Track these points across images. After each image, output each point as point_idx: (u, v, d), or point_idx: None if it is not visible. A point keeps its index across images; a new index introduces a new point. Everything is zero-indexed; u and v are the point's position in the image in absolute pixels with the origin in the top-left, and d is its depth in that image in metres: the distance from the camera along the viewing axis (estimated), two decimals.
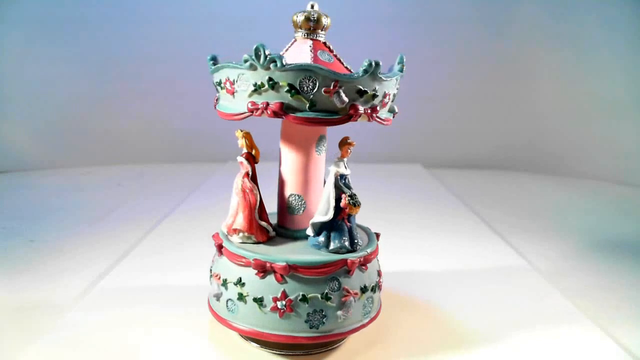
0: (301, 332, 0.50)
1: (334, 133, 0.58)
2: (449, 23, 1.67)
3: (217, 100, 0.53)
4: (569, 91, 1.65)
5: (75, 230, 0.94)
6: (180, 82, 1.59)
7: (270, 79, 0.46)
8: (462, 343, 0.58)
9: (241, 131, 0.55)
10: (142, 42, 1.59)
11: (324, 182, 0.57)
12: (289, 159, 0.56)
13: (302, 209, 0.57)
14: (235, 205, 0.54)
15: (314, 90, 0.46)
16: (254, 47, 0.45)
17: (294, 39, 0.54)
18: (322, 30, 0.53)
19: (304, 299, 0.50)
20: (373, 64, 0.47)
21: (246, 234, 0.54)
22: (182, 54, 1.57)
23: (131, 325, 0.59)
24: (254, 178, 0.55)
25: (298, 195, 0.56)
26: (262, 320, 0.50)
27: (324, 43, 0.54)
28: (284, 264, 0.49)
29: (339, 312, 0.51)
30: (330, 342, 0.55)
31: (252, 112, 0.48)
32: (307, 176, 0.56)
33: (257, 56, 0.45)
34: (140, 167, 1.58)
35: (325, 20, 0.53)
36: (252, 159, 0.55)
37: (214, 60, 0.52)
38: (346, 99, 0.47)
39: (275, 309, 0.50)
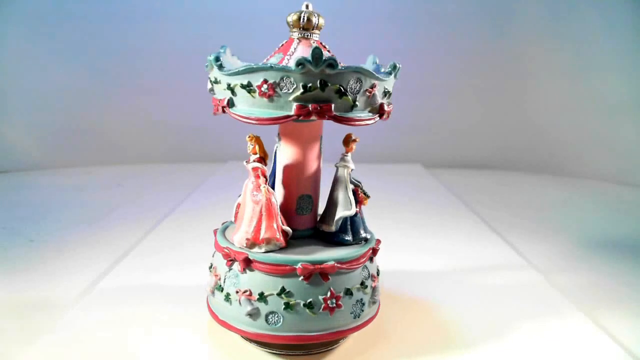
0: (348, 324, 0.52)
1: (328, 132, 0.58)
2: (448, 24, 1.67)
3: (228, 103, 0.50)
4: (569, 91, 1.65)
5: (75, 230, 0.94)
6: (180, 81, 1.59)
7: (322, 81, 0.46)
8: (462, 342, 0.58)
9: (253, 136, 0.54)
10: (143, 43, 1.58)
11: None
12: (297, 159, 0.55)
13: (310, 208, 0.57)
14: (257, 215, 0.51)
15: (359, 92, 0.48)
16: (312, 50, 0.45)
17: (297, 40, 0.53)
18: (319, 30, 0.54)
19: (348, 291, 0.52)
20: (397, 65, 0.51)
21: (274, 241, 0.52)
22: (183, 54, 1.57)
23: (131, 325, 0.59)
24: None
25: (308, 196, 0.56)
26: (312, 323, 0.50)
27: (320, 43, 0.54)
28: (333, 263, 0.50)
29: (371, 298, 0.55)
30: (331, 342, 0.55)
31: (300, 115, 0.47)
32: (316, 176, 0.56)
33: (315, 59, 0.45)
34: (140, 167, 1.58)
35: (322, 21, 0.53)
36: (263, 164, 0.54)
37: (219, 60, 0.50)
38: (379, 100, 0.51)
39: (326, 308, 0.50)
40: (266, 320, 0.50)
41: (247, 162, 0.54)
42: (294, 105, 0.47)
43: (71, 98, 1.57)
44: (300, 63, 0.45)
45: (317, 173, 0.57)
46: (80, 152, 1.59)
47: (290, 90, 0.47)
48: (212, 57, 0.49)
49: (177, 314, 0.62)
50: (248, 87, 0.48)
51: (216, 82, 0.51)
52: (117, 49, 1.58)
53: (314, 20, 0.52)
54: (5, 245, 0.85)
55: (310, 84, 0.46)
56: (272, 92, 0.47)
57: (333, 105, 0.47)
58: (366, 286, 0.54)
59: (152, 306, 0.64)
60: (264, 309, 0.50)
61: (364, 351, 0.55)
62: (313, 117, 0.47)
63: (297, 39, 0.53)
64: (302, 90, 0.46)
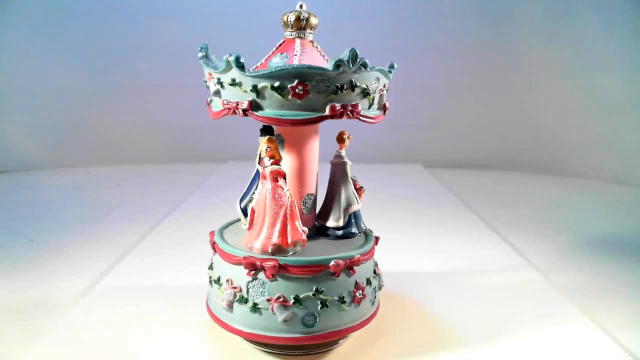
0: (369, 312, 0.55)
1: (323, 130, 0.58)
2: (448, 23, 1.67)
3: (250, 105, 0.47)
4: (569, 91, 1.65)
5: (75, 230, 0.95)
6: (180, 81, 1.59)
7: (352, 81, 0.47)
8: (461, 342, 0.58)
9: (271, 138, 0.52)
10: (143, 43, 1.58)
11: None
12: (301, 159, 0.55)
13: (313, 207, 0.57)
14: (282, 219, 0.50)
15: (376, 91, 0.50)
16: (350, 51, 0.45)
17: (298, 40, 0.53)
18: (314, 30, 0.54)
19: (368, 281, 0.54)
20: (395, 65, 0.53)
21: (300, 242, 0.51)
22: (184, 54, 1.57)
23: (131, 325, 0.59)
24: None
25: (312, 195, 0.57)
26: (343, 317, 0.51)
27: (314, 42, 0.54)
28: (359, 256, 0.52)
29: (378, 284, 0.58)
30: (331, 342, 0.55)
31: (334, 115, 0.47)
32: (316, 174, 0.57)
33: (353, 60, 0.46)
34: (140, 167, 1.58)
35: (317, 20, 0.54)
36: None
37: (240, 61, 0.46)
38: (385, 97, 0.53)
39: (356, 300, 0.52)
40: (303, 323, 0.50)
41: (261, 164, 0.51)
42: (328, 105, 0.47)
43: (71, 98, 1.57)
44: (338, 64, 0.45)
45: (317, 171, 0.57)
46: (80, 152, 1.59)
47: (324, 91, 0.47)
48: (232, 58, 0.46)
49: (177, 314, 0.62)
50: (280, 89, 0.46)
51: (234, 83, 0.48)
52: (118, 48, 1.58)
53: (313, 20, 0.52)
54: (5, 245, 0.85)
55: (344, 85, 0.47)
56: (306, 93, 0.46)
57: (360, 105, 0.48)
58: (376, 273, 0.57)
59: (152, 306, 0.64)
60: (300, 312, 0.49)
61: (363, 351, 0.55)
62: (344, 117, 0.48)
63: (299, 37, 0.53)
64: (335, 90, 0.47)
